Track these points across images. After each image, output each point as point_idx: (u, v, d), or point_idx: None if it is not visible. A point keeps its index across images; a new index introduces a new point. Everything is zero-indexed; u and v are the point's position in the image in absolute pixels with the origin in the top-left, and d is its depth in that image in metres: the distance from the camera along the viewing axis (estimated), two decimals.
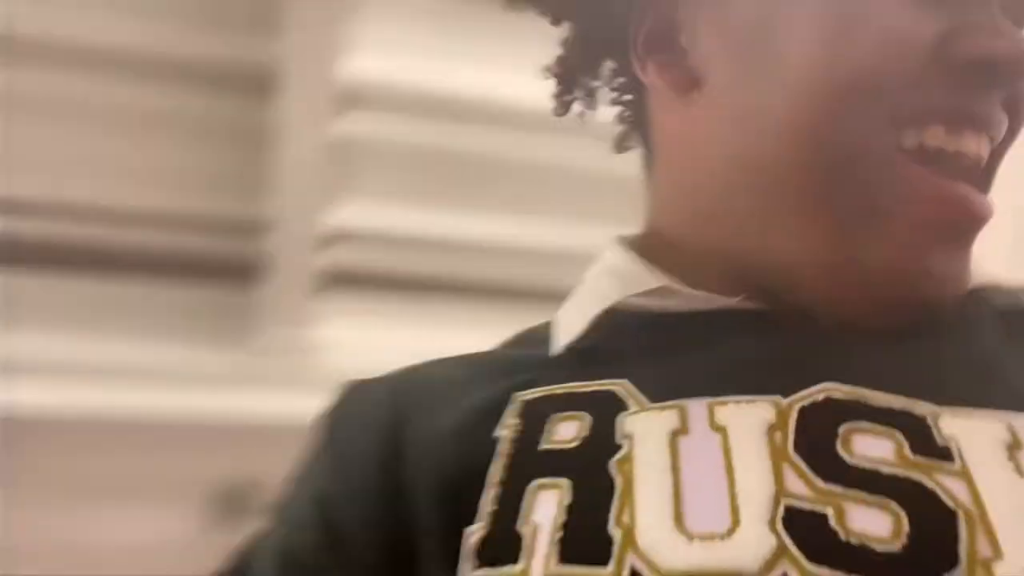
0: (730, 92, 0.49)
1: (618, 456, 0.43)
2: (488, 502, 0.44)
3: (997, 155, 0.49)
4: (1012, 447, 0.41)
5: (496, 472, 0.45)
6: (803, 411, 0.43)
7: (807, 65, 0.45)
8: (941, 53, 0.45)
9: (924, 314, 0.47)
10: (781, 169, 0.47)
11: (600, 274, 0.56)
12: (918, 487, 0.40)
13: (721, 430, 0.43)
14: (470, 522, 0.44)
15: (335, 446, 0.52)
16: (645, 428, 0.44)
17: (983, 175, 0.48)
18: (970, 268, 0.49)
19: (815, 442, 0.42)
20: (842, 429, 0.42)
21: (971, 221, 0.47)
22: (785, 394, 0.43)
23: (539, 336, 0.55)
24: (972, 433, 0.41)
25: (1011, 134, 0.49)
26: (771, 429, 0.42)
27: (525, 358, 0.53)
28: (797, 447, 0.41)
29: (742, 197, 0.49)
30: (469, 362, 0.55)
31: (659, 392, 0.45)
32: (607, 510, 0.41)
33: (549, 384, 0.48)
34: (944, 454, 0.41)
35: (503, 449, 0.46)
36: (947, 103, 0.45)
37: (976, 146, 0.47)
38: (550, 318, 0.56)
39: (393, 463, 0.49)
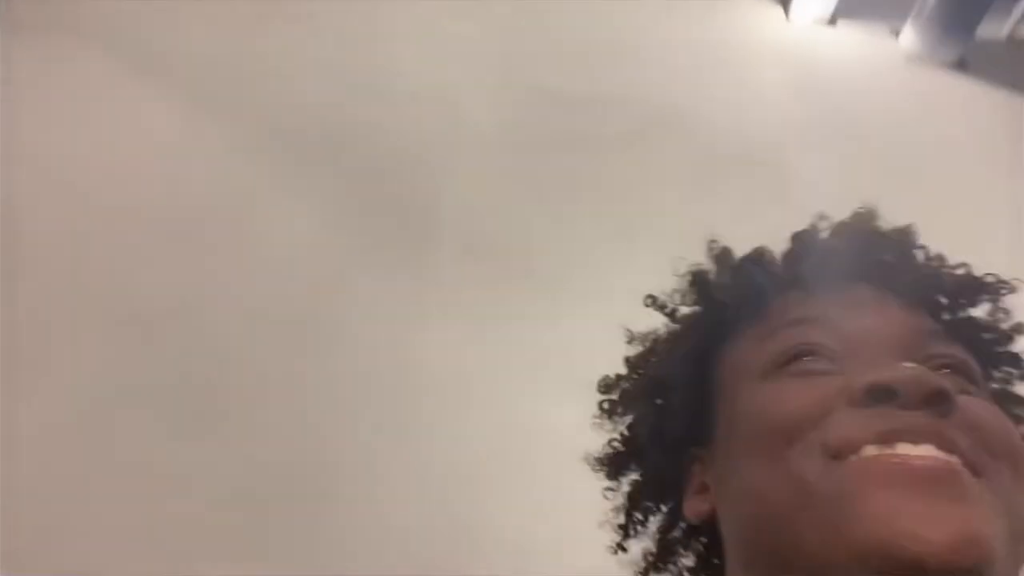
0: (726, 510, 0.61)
1: None
2: None
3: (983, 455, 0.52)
4: None
5: None
6: None
7: (746, 447, 0.59)
8: (844, 398, 0.53)
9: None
10: (761, 509, 0.55)
11: None
12: None
13: None
14: None
15: None
16: None
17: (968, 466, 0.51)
18: (998, 554, 0.48)
19: None
20: None
21: (929, 472, 0.48)
22: None
23: None
24: None
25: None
26: None
27: None
28: None
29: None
30: None
31: None
32: None
33: None
34: None
35: None
36: (867, 426, 0.51)
37: (927, 453, 0.49)
38: None
39: None
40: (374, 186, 1.47)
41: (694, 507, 0.64)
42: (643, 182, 1.61)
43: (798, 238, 0.70)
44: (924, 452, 0.48)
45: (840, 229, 0.69)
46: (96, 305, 1.42)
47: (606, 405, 0.73)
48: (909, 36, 2.26)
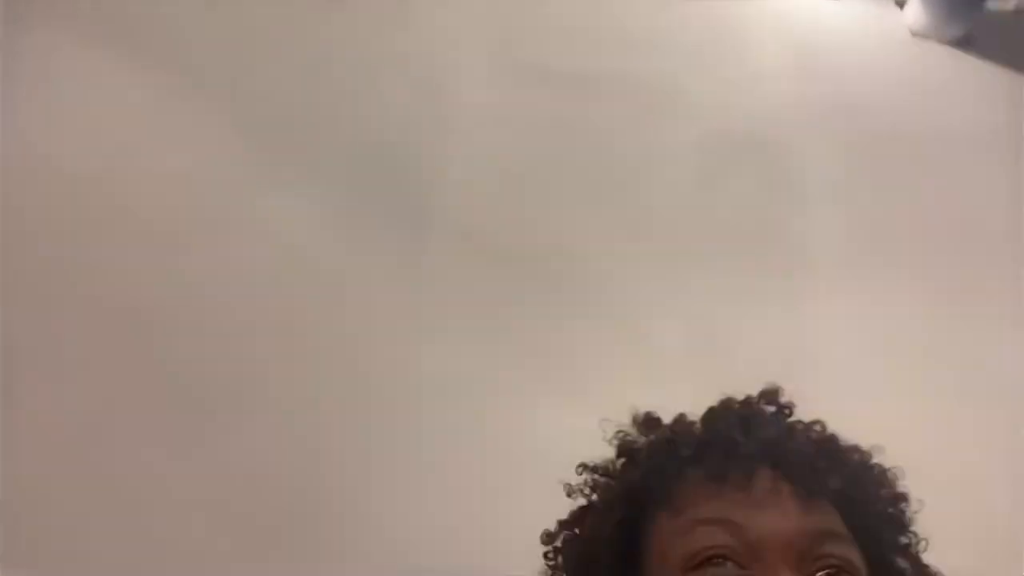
0: None
1: None
2: None
3: None
4: None
5: None
6: None
7: None
8: None
9: None
10: None
11: None
12: None
13: None
14: None
15: None
16: None
17: None
18: None
19: None
20: None
21: None
22: None
23: None
24: None
25: None
26: None
27: None
28: None
29: None
30: None
31: None
32: None
33: None
34: None
35: None
36: None
37: None
38: None
39: None
40: (368, 176, 1.45)
41: None
42: (644, 164, 1.58)
43: (706, 419, 0.79)
44: None
45: (741, 411, 0.78)
46: (91, 305, 1.41)
47: (549, 555, 0.80)
48: (914, 9, 2.21)
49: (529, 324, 1.37)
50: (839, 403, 0.82)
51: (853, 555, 0.70)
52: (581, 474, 0.81)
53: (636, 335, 1.25)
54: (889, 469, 0.78)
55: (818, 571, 0.67)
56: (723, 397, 0.80)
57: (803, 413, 0.79)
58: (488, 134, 1.51)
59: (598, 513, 0.78)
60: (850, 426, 0.78)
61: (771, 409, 0.79)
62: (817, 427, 0.79)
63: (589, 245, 1.45)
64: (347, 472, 1.30)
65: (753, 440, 0.74)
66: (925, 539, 0.78)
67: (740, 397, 0.80)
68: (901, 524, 0.78)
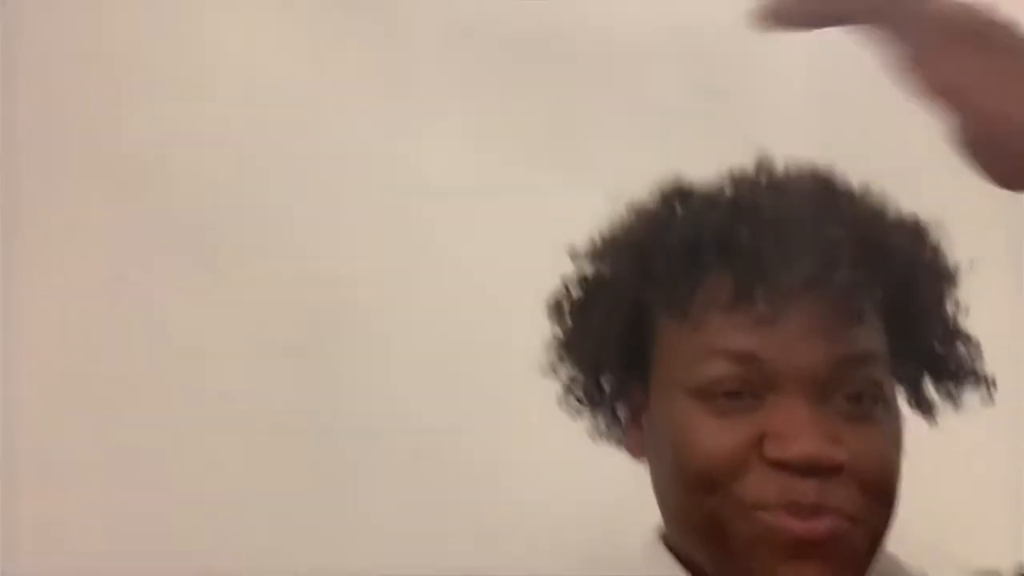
0: (655, 465, 0.71)
1: None
2: None
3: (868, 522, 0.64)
4: None
5: None
6: None
7: (672, 464, 0.67)
8: (759, 454, 0.62)
9: None
10: (677, 517, 0.68)
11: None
12: None
13: None
14: None
15: None
16: None
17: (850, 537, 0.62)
18: None
19: None
20: None
21: (814, 543, 0.61)
22: None
23: None
24: None
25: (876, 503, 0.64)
26: None
27: None
28: None
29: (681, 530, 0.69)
30: None
31: None
32: None
33: None
34: None
35: None
36: (769, 493, 0.62)
37: (802, 527, 0.61)
38: None
39: None
40: None
41: (631, 445, 0.75)
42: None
43: (735, 208, 0.68)
44: (801, 530, 0.61)
45: (776, 205, 0.67)
46: (94, 152, 1.36)
47: (553, 316, 0.76)
48: None
49: (530, 106, 1.31)
50: None
51: (881, 375, 0.66)
52: (583, 258, 0.74)
53: (643, 103, 1.24)
54: (941, 254, 0.69)
55: (839, 397, 0.64)
56: (757, 165, 0.70)
57: None
58: None
59: (602, 306, 0.72)
60: None
61: (812, 188, 0.68)
62: (859, 208, 0.68)
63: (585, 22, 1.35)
64: (364, 290, 1.31)
65: (790, 264, 0.63)
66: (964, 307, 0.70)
67: (774, 171, 0.70)
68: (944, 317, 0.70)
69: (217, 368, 1.30)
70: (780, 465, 0.61)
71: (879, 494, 0.63)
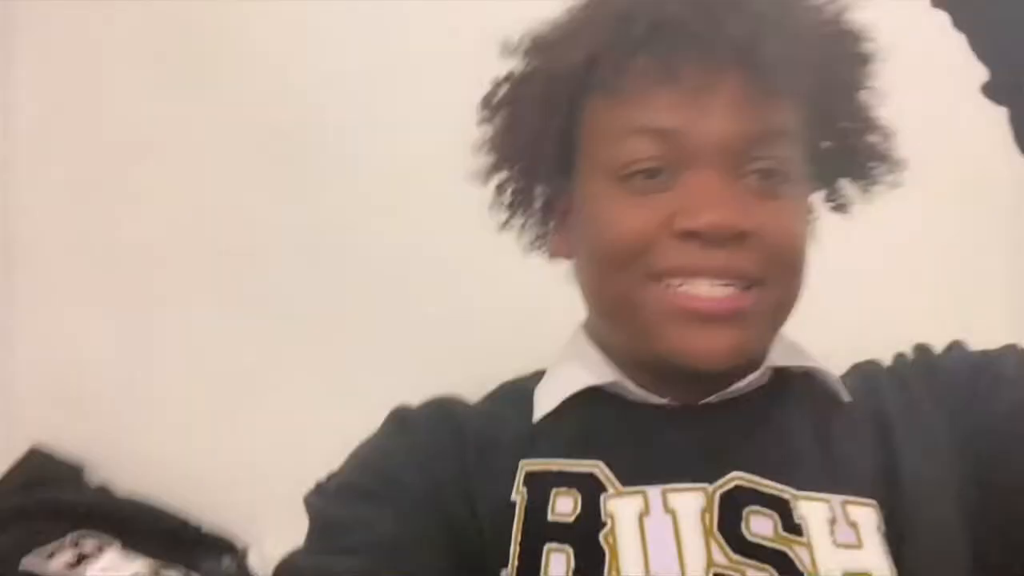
0: (579, 256, 0.75)
1: (604, 531, 0.65)
2: (513, 555, 0.65)
3: (763, 291, 0.67)
4: (832, 522, 0.65)
5: (516, 532, 0.66)
6: (722, 497, 0.66)
7: (589, 247, 0.71)
8: (669, 228, 0.66)
9: (719, 383, 0.68)
10: (595, 300, 0.74)
11: (571, 358, 0.77)
12: (785, 556, 0.63)
13: (671, 512, 0.65)
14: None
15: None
16: (620, 509, 0.66)
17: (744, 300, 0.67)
18: (759, 347, 0.69)
19: (729, 523, 0.64)
20: (744, 512, 0.65)
21: (712, 312, 0.65)
22: (711, 481, 0.66)
23: (520, 395, 0.76)
24: (812, 513, 0.65)
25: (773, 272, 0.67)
26: (703, 512, 0.65)
27: (517, 419, 0.74)
28: (719, 527, 0.64)
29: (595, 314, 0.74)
30: (483, 414, 0.76)
31: (625, 477, 0.67)
32: (601, 573, 0.63)
33: (543, 456, 0.70)
34: (798, 530, 0.64)
35: (519, 514, 0.67)
36: (678, 262, 0.66)
37: (711, 289, 0.66)
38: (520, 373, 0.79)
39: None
40: None
41: (558, 246, 0.79)
42: None
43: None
44: (712, 293, 0.65)
45: None
46: None
47: (484, 115, 0.77)
48: None
49: None
50: None
51: (793, 152, 0.68)
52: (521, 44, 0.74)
53: None
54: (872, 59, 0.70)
55: (751, 173, 0.66)
56: None
57: None
58: None
59: (535, 98, 0.72)
60: None
61: None
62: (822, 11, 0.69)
63: None
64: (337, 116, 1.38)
65: (719, 32, 0.64)
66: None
67: None
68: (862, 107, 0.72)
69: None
70: (689, 235, 0.65)
71: (784, 262, 0.67)
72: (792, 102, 0.68)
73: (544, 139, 0.72)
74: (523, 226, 0.80)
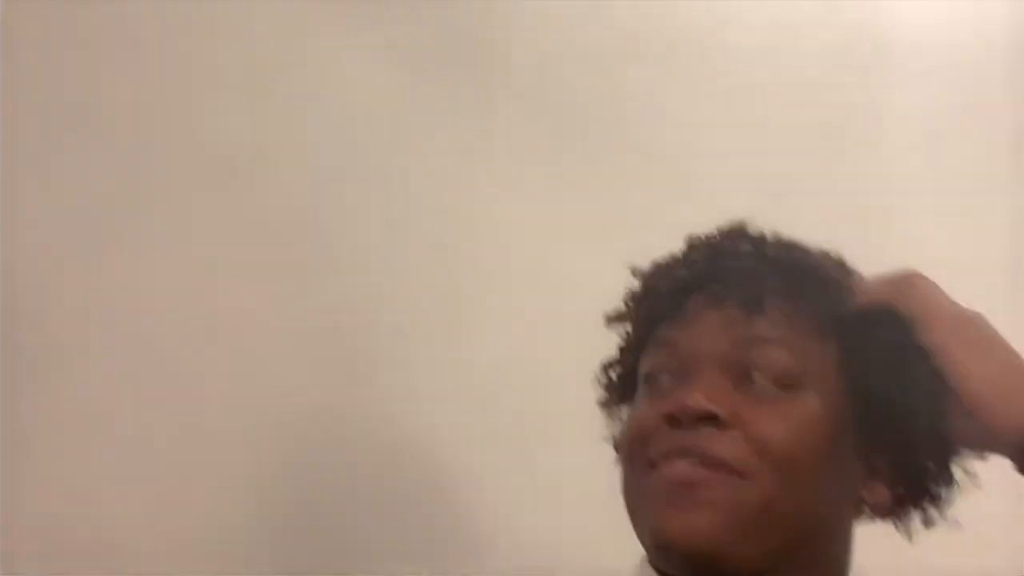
0: None
1: None
2: None
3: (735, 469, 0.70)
4: None
5: None
6: None
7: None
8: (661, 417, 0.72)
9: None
10: (624, 500, 0.77)
11: None
12: None
13: None
14: None
15: None
16: None
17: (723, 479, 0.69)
18: (736, 542, 0.69)
19: None
20: None
21: (694, 486, 0.69)
22: None
23: None
24: None
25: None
26: None
27: None
28: None
29: None
30: None
31: None
32: None
33: None
34: None
35: None
36: (664, 446, 0.71)
37: (686, 468, 0.69)
38: None
39: None
40: (436, 21, 1.34)
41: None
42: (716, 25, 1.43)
43: (669, 260, 0.82)
44: (683, 472, 0.69)
45: (697, 243, 0.81)
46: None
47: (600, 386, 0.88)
48: None
49: (589, 179, 1.34)
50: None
51: (785, 360, 0.73)
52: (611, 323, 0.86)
53: (700, 194, 1.28)
54: (846, 266, 0.80)
55: (747, 379, 0.72)
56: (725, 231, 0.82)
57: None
58: None
59: (621, 352, 0.85)
60: None
61: (741, 245, 0.80)
62: (779, 246, 0.80)
63: (658, 104, 1.36)
64: (394, 326, 1.28)
65: (690, 267, 0.78)
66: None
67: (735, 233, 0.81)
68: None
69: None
70: (668, 419, 0.71)
71: (771, 459, 0.69)
72: (784, 316, 0.74)
73: (627, 367, 0.83)
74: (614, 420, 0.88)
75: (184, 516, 1.15)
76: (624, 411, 0.84)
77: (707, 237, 0.81)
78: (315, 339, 1.23)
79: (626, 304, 0.84)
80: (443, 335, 1.28)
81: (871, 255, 0.81)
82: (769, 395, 0.72)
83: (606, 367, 0.86)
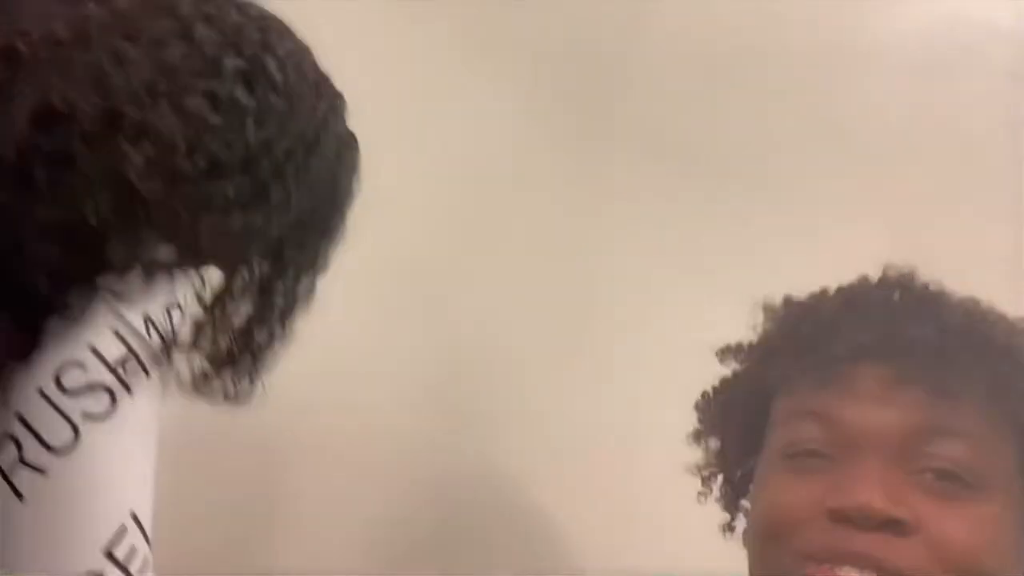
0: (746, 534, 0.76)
1: None
2: None
3: None
4: None
5: None
6: None
7: (752, 524, 0.74)
8: (822, 507, 0.65)
9: None
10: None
11: None
12: None
13: None
14: None
15: None
16: None
17: None
18: None
19: None
20: None
21: None
22: None
23: None
24: None
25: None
26: None
27: None
28: None
29: None
30: None
31: None
32: None
33: None
34: None
35: None
36: (827, 544, 0.64)
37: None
38: None
39: None
40: (555, 75, 1.35)
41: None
42: (851, 57, 1.37)
43: (813, 305, 0.75)
44: None
45: (863, 298, 0.73)
46: None
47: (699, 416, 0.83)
48: None
49: (710, 227, 1.31)
50: None
51: (969, 456, 0.65)
52: (724, 357, 0.81)
53: (829, 244, 1.22)
54: None
55: (924, 471, 0.65)
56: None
57: None
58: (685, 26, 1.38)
59: (734, 391, 0.79)
60: None
61: (893, 295, 0.72)
62: (956, 309, 0.70)
63: (783, 150, 1.33)
64: (515, 374, 1.27)
65: (859, 329, 0.69)
66: None
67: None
68: None
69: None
70: (838, 515, 0.64)
71: (953, 565, 0.62)
72: (968, 407, 0.66)
73: (743, 428, 0.78)
74: (720, 493, 0.84)
75: (305, 548, 1.14)
76: (720, 452, 0.81)
77: (877, 291, 0.73)
78: (430, 383, 1.23)
79: (761, 344, 0.77)
80: (561, 375, 1.26)
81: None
82: (950, 495, 0.64)
83: (714, 396, 0.81)
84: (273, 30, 0.63)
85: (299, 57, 0.64)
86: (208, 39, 0.58)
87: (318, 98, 0.65)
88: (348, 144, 0.70)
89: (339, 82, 0.71)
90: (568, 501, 1.20)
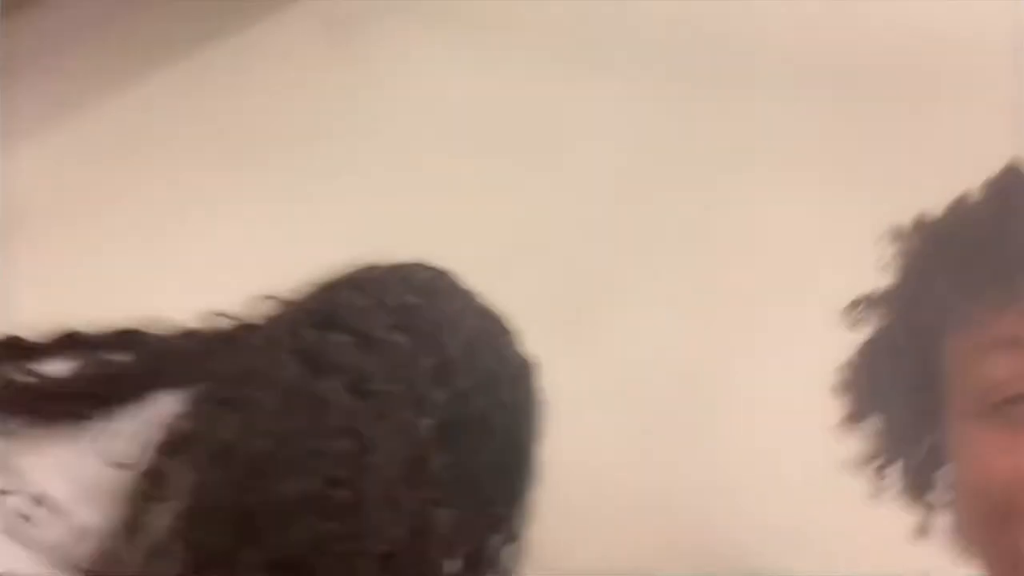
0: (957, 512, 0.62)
1: None
2: None
3: None
4: None
5: None
6: None
7: (963, 501, 0.60)
8: None
9: None
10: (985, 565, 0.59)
11: None
12: None
13: None
14: None
15: None
16: None
17: None
18: None
19: None
20: None
21: None
22: None
23: None
24: None
25: None
26: None
27: None
28: None
29: None
30: None
31: None
32: None
33: None
34: None
35: None
36: None
37: None
38: None
39: None
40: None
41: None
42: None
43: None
44: None
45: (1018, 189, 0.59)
46: None
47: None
48: None
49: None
50: None
51: None
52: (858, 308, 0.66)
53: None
54: None
55: None
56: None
57: None
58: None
59: (887, 347, 0.65)
60: None
61: None
62: None
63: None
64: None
65: None
66: None
67: None
68: None
69: None
70: None
71: None
72: None
73: (912, 390, 0.64)
74: (903, 474, 0.68)
75: None
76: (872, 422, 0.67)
77: None
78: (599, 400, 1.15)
79: (907, 277, 0.63)
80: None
81: None
82: None
83: (861, 363, 0.67)
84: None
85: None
86: None
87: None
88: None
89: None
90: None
